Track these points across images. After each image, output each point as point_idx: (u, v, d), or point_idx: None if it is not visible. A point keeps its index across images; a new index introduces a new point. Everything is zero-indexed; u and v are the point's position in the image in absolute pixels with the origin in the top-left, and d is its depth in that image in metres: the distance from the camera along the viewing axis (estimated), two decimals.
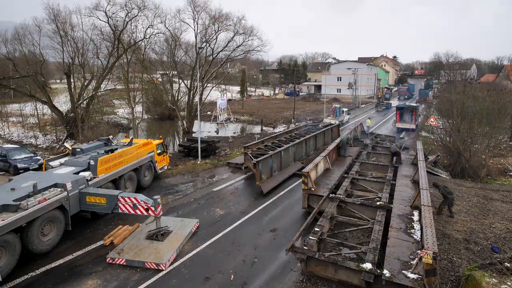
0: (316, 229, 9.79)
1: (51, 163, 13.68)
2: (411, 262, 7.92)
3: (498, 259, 8.55)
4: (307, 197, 13.16)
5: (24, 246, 9.34)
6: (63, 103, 32.73)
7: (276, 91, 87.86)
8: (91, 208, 11.31)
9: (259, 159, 16.16)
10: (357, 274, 7.91)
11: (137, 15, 30.58)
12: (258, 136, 30.02)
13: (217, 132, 35.35)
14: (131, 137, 18.58)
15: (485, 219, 12.33)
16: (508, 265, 7.82)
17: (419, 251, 8.07)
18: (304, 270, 8.82)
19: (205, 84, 36.13)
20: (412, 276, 7.36)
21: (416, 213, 10.76)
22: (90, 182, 12.01)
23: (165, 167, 18.41)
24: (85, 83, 30.29)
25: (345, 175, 15.06)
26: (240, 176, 18.24)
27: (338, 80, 73.12)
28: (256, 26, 51.37)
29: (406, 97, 71.16)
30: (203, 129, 35.05)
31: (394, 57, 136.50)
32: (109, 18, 29.68)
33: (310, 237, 9.32)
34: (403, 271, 7.61)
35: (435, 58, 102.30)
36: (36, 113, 32.94)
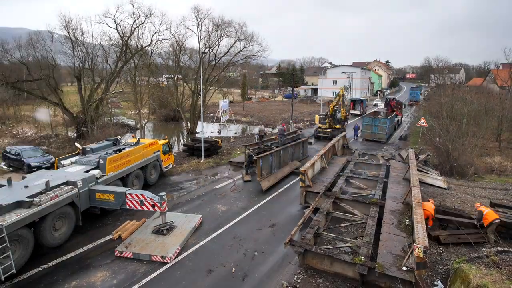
0: (313, 224, 9.79)
1: (62, 162, 13.69)
2: (403, 255, 7.92)
3: (485, 253, 8.56)
4: (304, 194, 13.17)
5: (36, 240, 9.36)
6: (73, 104, 32.74)
7: (275, 94, 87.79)
8: (100, 204, 11.32)
9: (260, 155, 16.17)
10: (352, 267, 7.92)
11: (144, 22, 30.63)
12: (258, 136, 29.96)
13: (219, 132, 35.32)
14: (138, 137, 18.61)
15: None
16: (494, 258, 7.82)
17: (410, 244, 8.07)
18: (302, 262, 8.83)
19: (208, 87, 36.11)
20: (403, 268, 7.37)
21: (407, 209, 10.77)
22: (99, 180, 12.01)
23: (170, 166, 18.41)
24: (95, 86, 30.30)
25: (341, 173, 15.05)
26: (241, 174, 18.22)
27: (333, 84, 73.15)
28: (256, 32, 51.29)
29: None
30: (206, 130, 35.02)
31: (387, 61, 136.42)
32: (118, 25, 29.74)
33: (307, 232, 9.33)
34: (395, 264, 7.62)
35: (425, 63, 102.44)
36: (48, 115, 32.95)
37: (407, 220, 9.94)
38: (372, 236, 9.11)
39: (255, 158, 16.31)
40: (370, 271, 7.59)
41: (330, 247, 9.15)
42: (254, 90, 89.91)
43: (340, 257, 8.18)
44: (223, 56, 36.48)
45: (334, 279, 8.41)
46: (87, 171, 12.40)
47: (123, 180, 13.78)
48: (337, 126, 29.09)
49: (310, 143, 26.38)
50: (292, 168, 18.52)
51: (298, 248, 8.60)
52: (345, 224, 11.00)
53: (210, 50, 34.76)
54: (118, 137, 17.82)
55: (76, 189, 10.71)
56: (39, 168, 17.15)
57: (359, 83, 72.14)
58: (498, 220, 9.55)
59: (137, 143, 16.29)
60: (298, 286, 8.26)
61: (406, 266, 7.39)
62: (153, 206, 10.47)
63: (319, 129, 29.68)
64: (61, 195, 10.10)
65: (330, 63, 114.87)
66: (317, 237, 9.74)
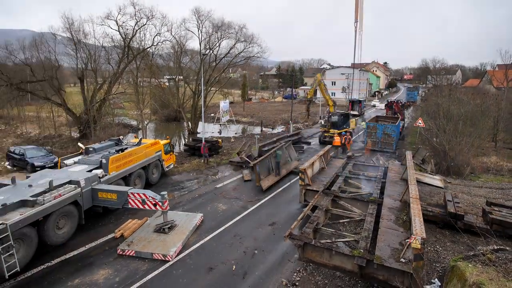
0: (312, 219, 9.80)
1: (65, 162, 13.70)
2: (401, 249, 7.93)
3: (481, 251, 8.55)
4: (304, 192, 13.16)
5: (40, 238, 9.36)
6: (76, 105, 32.78)
7: (275, 95, 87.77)
8: (103, 203, 11.32)
9: (255, 162, 16.13)
10: (350, 260, 7.91)
11: (145, 24, 30.59)
12: (258, 136, 29.99)
13: (220, 132, 35.32)
14: (140, 138, 18.61)
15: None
16: (491, 256, 7.82)
17: (408, 238, 8.07)
18: (301, 256, 8.79)
19: (209, 88, 36.10)
20: (401, 260, 7.40)
21: (405, 206, 10.77)
22: (102, 179, 12.02)
23: (172, 165, 18.41)
24: (97, 87, 30.29)
25: (339, 174, 15.04)
26: (241, 174, 18.21)
27: (332, 85, 73.09)
28: (256, 33, 51.31)
29: None
30: (207, 130, 35.01)
31: (385, 63, 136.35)
32: (120, 27, 29.69)
33: (307, 226, 9.35)
34: (393, 257, 7.64)
35: (422, 64, 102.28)
36: (51, 115, 32.98)
37: (405, 217, 9.94)
38: (371, 231, 9.13)
39: (251, 164, 16.24)
40: (369, 263, 7.60)
41: (329, 241, 9.16)
42: (254, 91, 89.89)
43: (339, 250, 8.19)
44: (224, 57, 36.50)
45: (333, 276, 8.42)
46: (90, 171, 12.40)
47: (125, 180, 13.78)
48: (337, 132, 25.02)
49: (309, 143, 26.39)
50: (291, 168, 18.51)
51: (298, 241, 8.59)
52: (343, 221, 11.01)
53: (211, 51, 34.76)
54: (121, 137, 17.81)
55: (79, 188, 10.71)
56: (42, 167, 17.15)
57: (358, 84, 72.10)
58: None
59: (139, 143, 16.30)
60: (297, 283, 8.27)
61: (404, 258, 7.42)
62: (154, 205, 10.47)
63: (325, 134, 26.14)
64: (64, 194, 10.11)
65: (329, 64, 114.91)
66: (316, 232, 9.75)
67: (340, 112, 27.94)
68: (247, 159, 18.38)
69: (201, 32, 33.80)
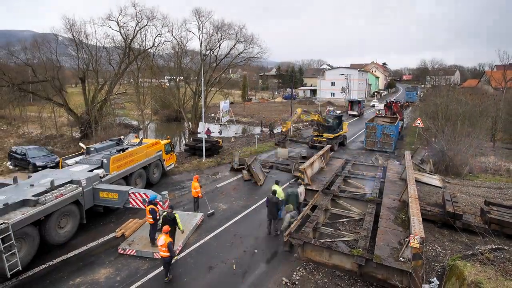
0: (312, 219, 9.80)
1: (67, 161, 13.69)
2: (400, 248, 7.94)
3: (480, 250, 8.56)
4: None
5: (42, 237, 9.38)
6: (78, 105, 32.76)
7: (275, 95, 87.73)
8: (104, 202, 11.33)
9: (250, 163, 16.21)
10: (350, 259, 7.93)
11: (146, 25, 30.56)
12: (258, 136, 29.96)
13: (220, 132, 35.31)
14: (141, 137, 18.60)
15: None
16: (489, 255, 7.83)
17: (406, 237, 8.07)
18: (301, 255, 8.81)
19: (209, 88, 36.09)
20: (400, 259, 7.41)
21: (404, 206, 10.78)
22: (103, 179, 12.02)
23: (172, 165, 18.40)
24: (99, 88, 30.29)
25: (339, 173, 15.05)
26: (241, 173, 18.19)
27: (332, 85, 73.10)
28: (256, 34, 51.32)
29: None
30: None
31: (384, 63, 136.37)
32: (121, 28, 29.67)
33: (306, 226, 9.36)
34: (392, 256, 7.65)
35: (421, 65, 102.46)
36: (53, 115, 32.99)
37: (404, 216, 9.95)
38: (370, 230, 9.15)
39: (246, 167, 16.42)
40: (368, 262, 7.61)
41: (328, 240, 9.17)
42: (254, 91, 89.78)
43: (339, 249, 8.20)
44: (224, 58, 36.51)
45: (332, 275, 8.41)
46: (91, 170, 12.40)
47: (126, 179, 13.78)
48: (331, 136, 24.10)
49: (307, 143, 26.34)
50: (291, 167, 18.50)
51: (298, 241, 8.60)
52: (343, 220, 11.00)
53: (211, 52, 34.77)
54: (121, 137, 17.80)
55: (81, 188, 10.72)
56: (44, 167, 17.15)
57: (357, 85, 72.15)
58: None
59: (140, 143, 16.30)
60: (297, 282, 8.27)
61: (403, 257, 7.42)
62: (155, 204, 10.46)
63: (314, 138, 24.95)
64: (65, 194, 10.11)
65: (329, 65, 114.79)
66: (316, 231, 9.77)
67: (334, 115, 26.92)
68: (243, 161, 18.30)
69: (202, 32, 33.81)
